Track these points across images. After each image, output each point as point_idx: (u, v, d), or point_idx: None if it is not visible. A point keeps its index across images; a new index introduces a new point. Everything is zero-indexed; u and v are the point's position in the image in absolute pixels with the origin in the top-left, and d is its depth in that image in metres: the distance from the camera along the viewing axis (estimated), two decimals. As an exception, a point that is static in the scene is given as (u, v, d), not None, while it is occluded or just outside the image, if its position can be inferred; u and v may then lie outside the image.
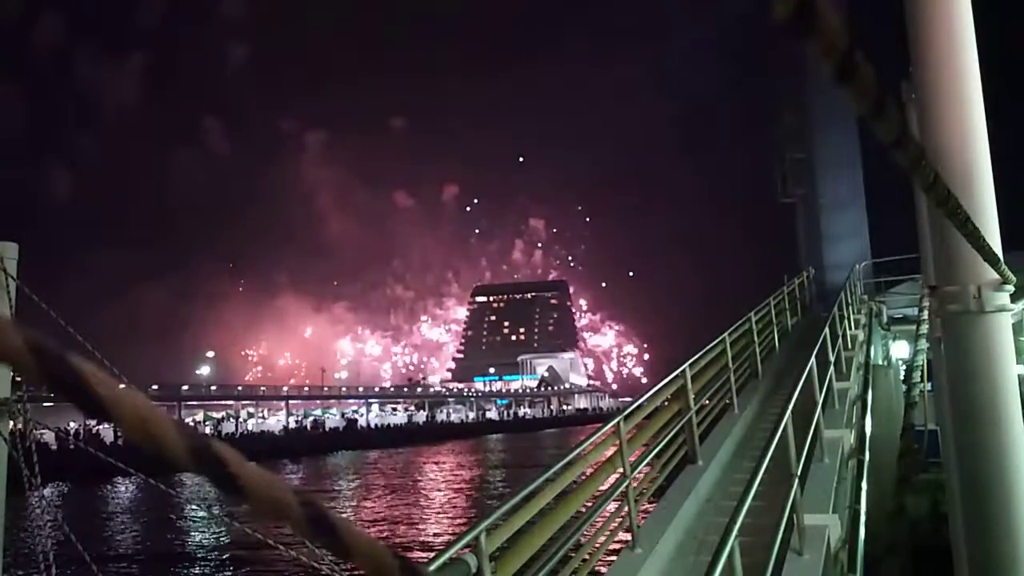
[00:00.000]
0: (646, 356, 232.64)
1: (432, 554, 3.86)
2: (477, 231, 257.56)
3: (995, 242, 3.42)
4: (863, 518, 6.09)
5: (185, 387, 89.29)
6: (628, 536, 5.91)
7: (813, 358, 7.42)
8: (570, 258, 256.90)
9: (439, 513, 32.01)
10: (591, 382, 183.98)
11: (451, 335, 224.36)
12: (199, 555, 23.91)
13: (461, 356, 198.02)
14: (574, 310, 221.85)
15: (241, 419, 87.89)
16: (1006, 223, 3.69)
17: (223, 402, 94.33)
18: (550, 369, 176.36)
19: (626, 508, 5.92)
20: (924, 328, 5.92)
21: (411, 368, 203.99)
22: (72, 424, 54.27)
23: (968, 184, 3.40)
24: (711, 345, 9.13)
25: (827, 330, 9.41)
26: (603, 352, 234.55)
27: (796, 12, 0.76)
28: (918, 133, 3.58)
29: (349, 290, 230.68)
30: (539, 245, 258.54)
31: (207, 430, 70.04)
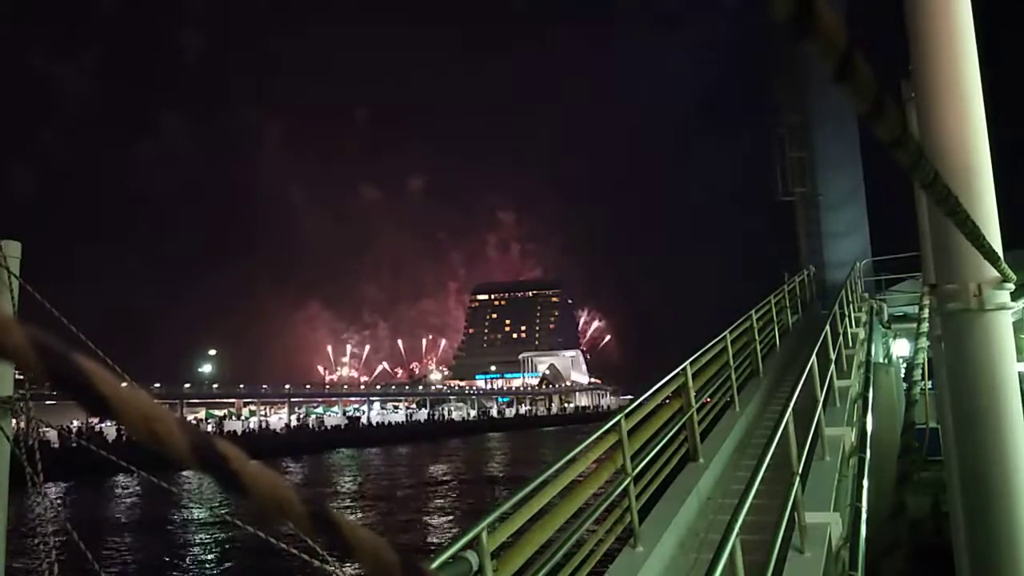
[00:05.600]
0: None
1: (434, 552, 3.86)
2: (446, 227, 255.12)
3: (995, 240, 3.41)
4: (864, 516, 6.09)
5: (187, 385, 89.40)
6: (629, 534, 5.91)
7: (814, 356, 7.42)
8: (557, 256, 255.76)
9: (441, 511, 32.03)
10: (592, 380, 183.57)
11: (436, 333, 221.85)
12: (201, 553, 23.93)
13: (462, 354, 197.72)
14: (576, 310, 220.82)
15: (243, 417, 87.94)
16: (1006, 222, 3.69)
17: (225, 400, 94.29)
18: (551, 367, 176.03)
19: (627, 506, 5.92)
20: (925, 326, 5.91)
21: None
22: (75, 422, 54.34)
23: (968, 182, 3.40)
24: (712, 343, 9.12)
25: (828, 328, 9.39)
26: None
27: (795, 12, 0.76)
28: (918, 132, 3.58)
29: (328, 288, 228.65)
30: (522, 240, 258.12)
31: (209, 428, 70.14)
